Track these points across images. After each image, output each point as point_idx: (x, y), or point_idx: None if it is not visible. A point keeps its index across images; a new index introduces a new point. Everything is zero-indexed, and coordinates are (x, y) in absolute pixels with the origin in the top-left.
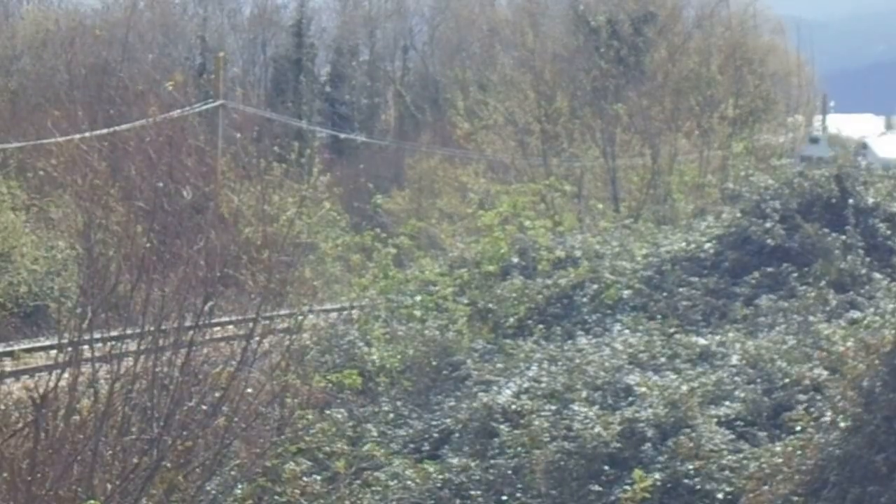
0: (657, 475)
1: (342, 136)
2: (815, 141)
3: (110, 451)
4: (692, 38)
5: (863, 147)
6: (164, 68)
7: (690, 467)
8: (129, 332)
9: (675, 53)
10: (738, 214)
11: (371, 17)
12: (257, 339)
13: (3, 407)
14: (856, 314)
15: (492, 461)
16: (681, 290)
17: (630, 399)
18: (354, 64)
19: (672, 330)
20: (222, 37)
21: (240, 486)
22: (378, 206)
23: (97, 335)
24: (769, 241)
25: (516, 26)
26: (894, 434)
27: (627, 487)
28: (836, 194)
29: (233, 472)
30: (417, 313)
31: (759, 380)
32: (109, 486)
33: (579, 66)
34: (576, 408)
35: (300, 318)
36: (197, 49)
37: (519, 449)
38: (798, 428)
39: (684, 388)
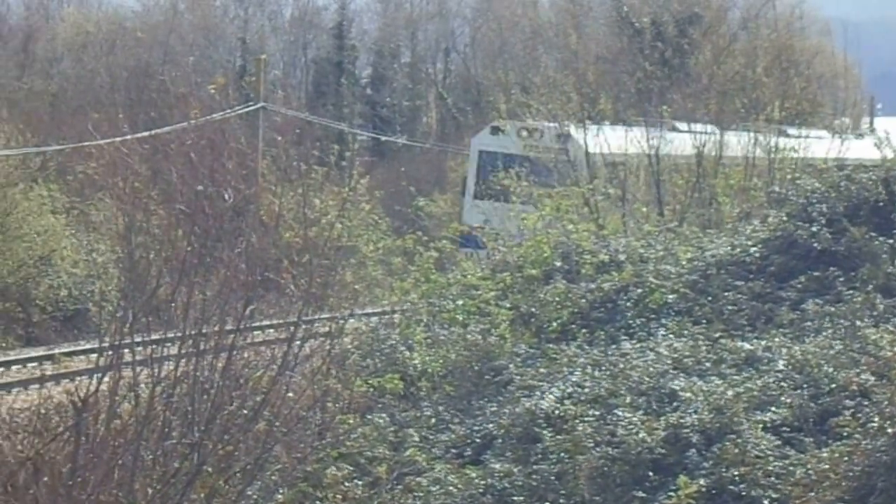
0: (702, 481)
1: (383, 138)
2: None
3: (151, 456)
4: (738, 40)
5: None
6: (204, 71)
7: (736, 473)
8: (169, 335)
9: (720, 55)
10: (784, 218)
11: (412, 18)
12: (298, 343)
13: (43, 411)
14: None
15: (535, 467)
16: (726, 294)
17: (675, 404)
18: (396, 66)
19: (717, 335)
20: (263, 39)
21: (281, 491)
22: (420, 209)
23: (138, 339)
24: (815, 244)
25: (559, 28)
26: None
27: (672, 494)
28: (884, 197)
29: (274, 477)
30: (459, 317)
31: (805, 385)
32: (150, 490)
33: (623, 67)
34: (620, 413)
35: (341, 322)
36: (238, 51)
37: (562, 454)
38: (845, 434)
39: (730, 393)
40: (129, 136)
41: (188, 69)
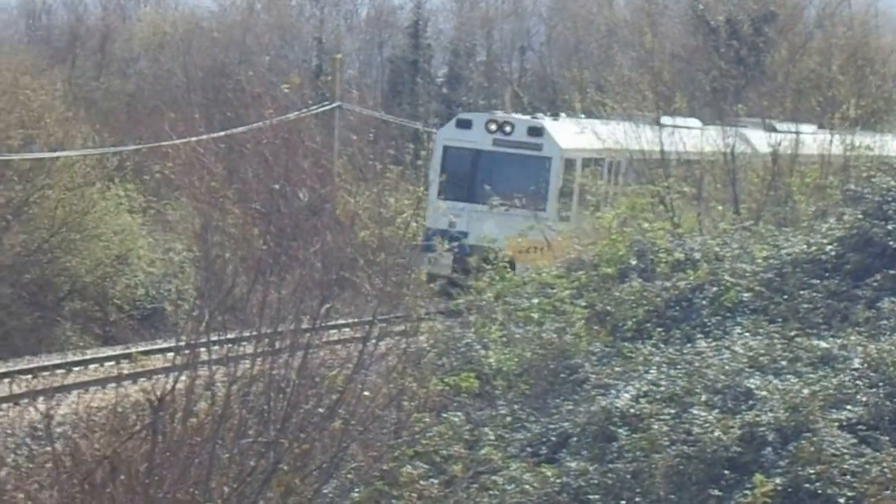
0: (778, 480)
1: None
2: None
3: (227, 454)
4: (813, 38)
5: None
6: (280, 70)
7: (811, 472)
8: (245, 334)
9: (795, 53)
10: (860, 216)
11: (488, 17)
12: (374, 341)
13: (120, 409)
14: None
15: (610, 465)
16: (802, 292)
17: (750, 403)
18: (471, 65)
19: (793, 333)
20: (339, 38)
21: (357, 490)
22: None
23: (214, 338)
24: (891, 242)
25: (634, 26)
26: None
27: (747, 492)
28: None
29: (350, 476)
30: (535, 316)
31: (881, 384)
32: (226, 488)
33: (698, 66)
34: (695, 412)
35: (416, 320)
36: (313, 51)
37: (638, 453)
38: None
39: (805, 391)
40: (205, 136)
41: (264, 69)
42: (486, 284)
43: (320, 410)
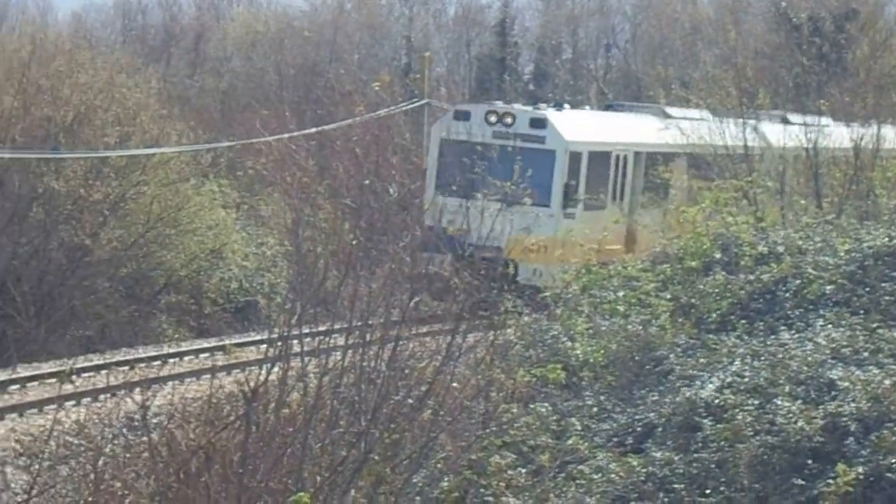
0: (860, 469)
1: None
2: None
3: (319, 444)
4: (894, 35)
5: None
6: (370, 69)
7: (893, 461)
8: (336, 327)
9: (877, 50)
10: None
11: (574, 15)
12: (462, 333)
13: (215, 401)
14: None
15: (695, 455)
16: (884, 285)
17: (833, 393)
18: (557, 62)
19: (875, 325)
20: (428, 37)
21: (446, 479)
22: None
23: (306, 330)
24: None
25: (718, 24)
26: None
27: (830, 481)
28: None
29: (439, 465)
30: (620, 308)
31: None
32: (318, 477)
33: (781, 63)
34: (779, 402)
35: (504, 313)
36: (402, 49)
37: (722, 443)
38: None
39: (887, 382)
40: (296, 133)
41: (354, 67)
42: (572, 277)
43: (410, 401)
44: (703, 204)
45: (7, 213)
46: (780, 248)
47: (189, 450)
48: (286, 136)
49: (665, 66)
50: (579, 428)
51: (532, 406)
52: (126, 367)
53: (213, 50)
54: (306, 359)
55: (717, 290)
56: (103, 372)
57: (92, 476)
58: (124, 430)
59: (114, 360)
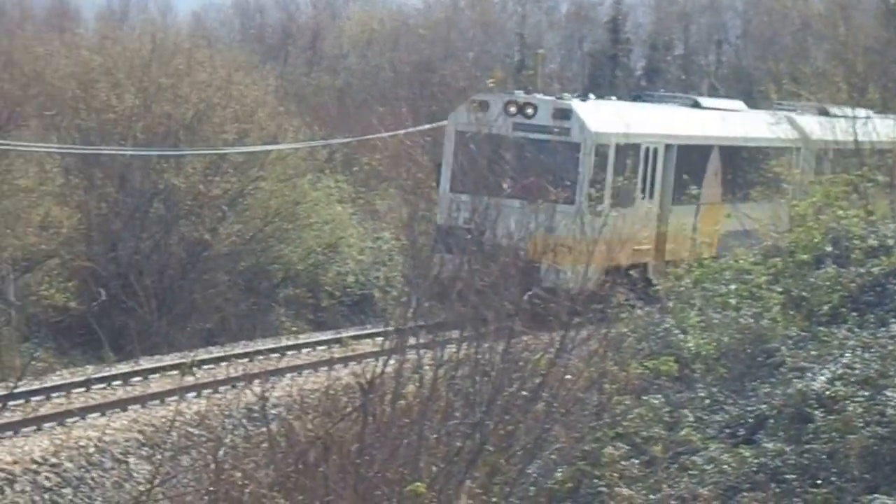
0: None
1: None
2: None
3: (435, 435)
4: None
5: None
6: (484, 65)
7: None
8: (451, 320)
9: None
10: None
11: (685, 12)
12: (575, 326)
13: (332, 392)
14: None
15: (806, 446)
16: None
17: None
18: (669, 58)
19: None
20: (540, 33)
21: (560, 470)
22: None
23: (421, 323)
24: None
25: (828, 19)
26: None
27: None
28: None
29: (553, 456)
30: (732, 301)
31: None
32: (434, 468)
33: (891, 57)
34: (889, 394)
35: (617, 306)
36: (515, 46)
37: (833, 434)
38: None
39: None
40: (411, 129)
41: (468, 64)
42: (684, 271)
43: (524, 393)
44: (814, 198)
45: (129, 208)
46: (890, 242)
47: (307, 440)
48: (402, 132)
49: (776, 62)
50: (692, 419)
51: (645, 398)
52: (245, 360)
53: (330, 48)
54: (422, 351)
55: (828, 283)
56: (223, 364)
57: (212, 466)
58: (244, 421)
59: (233, 352)
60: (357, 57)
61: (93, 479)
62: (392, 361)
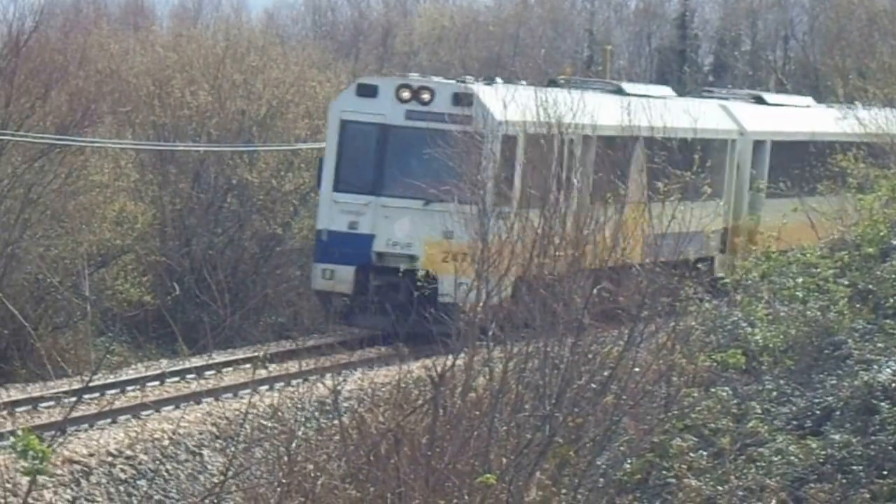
0: None
1: None
2: None
3: (505, 428)
4: None
5: None
6: (553, 62)
7: None
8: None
9: None
10: None
11: (752, 8)
12: (644, 320)
13: (403, 385)
14: None
15: (873, 437)
16: None
17: None
18: (736, 54)
19: None
20: (609, 30)
21: (629, 461)
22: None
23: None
24: None
25: (894, 15)
26: None
27: None
28: None
29: (622, 448)
30: (799, 294)
31: None
32: (504, 460)
33: None
34: None
35: (685, 300)
36: (584, 42)
37: None
38: None
39: None
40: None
41: (538, 60)
42: (752, 264)
43: (593, 386)
44: (881, 192)
45: (203, 204)
46: None
47: (378, 433)
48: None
49: (842, 57)
50: (759, 411)
51: (713, 390)
52: (317, 353)
53: (400, 45)
54: (492, 345)
55: (894, 276)
56: (295, 358)
57: (285, 458)
58: (316, 414)
59: (305, 346)
60: (427, 54)
61: (167, 471)
62: (462, 355)
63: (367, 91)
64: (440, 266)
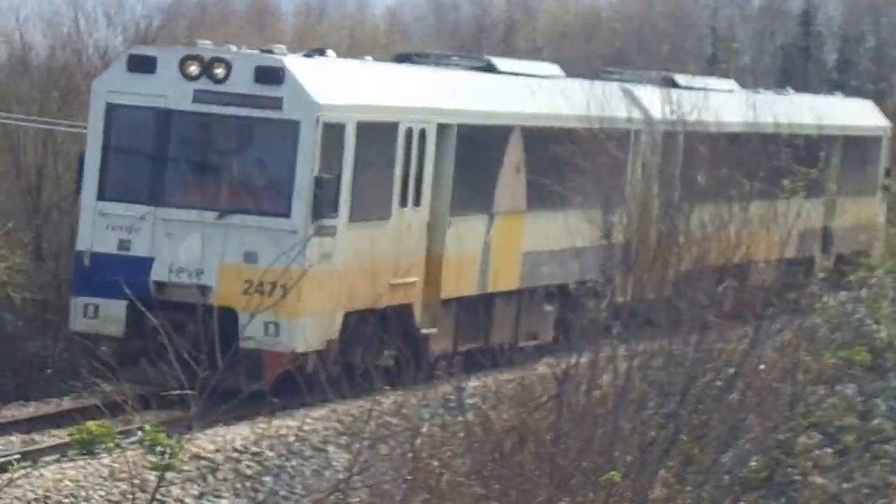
0: None
1: None
2: None
3: (629, 425)
4: None
5: None
6: (677, 59)
7: None
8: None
9: None
10: None
11: (875, 5)
12: (769, 318)
13: (527, 382)
14: None
15: None
16: None
17: None
18: (860, 50)
19: None
20: (732, 27)
21: (754, 459)
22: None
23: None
24: None
25: None
26: None
27: None
28: None
29: (747, 446)
30: None
31: None
32: (629, 457)
33: None
34: None
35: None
36: (708, 39)
37: None
38: None
39: None
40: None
41: (661, 58)
42: (878, 262)
43: (718, 383)
44: None
45: None
46: None
47: (503, 430)
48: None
49: None
50: (884, 409)
51: (838, 387)
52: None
53: (523, 42)
54: (616, 343)
55: None
56: None
57: (410, 455)
58: (440, 410)
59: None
60: (551, 51)
61: (293, 467)
62: (586, 353)
63: (142, 64)
64: (241, 300)
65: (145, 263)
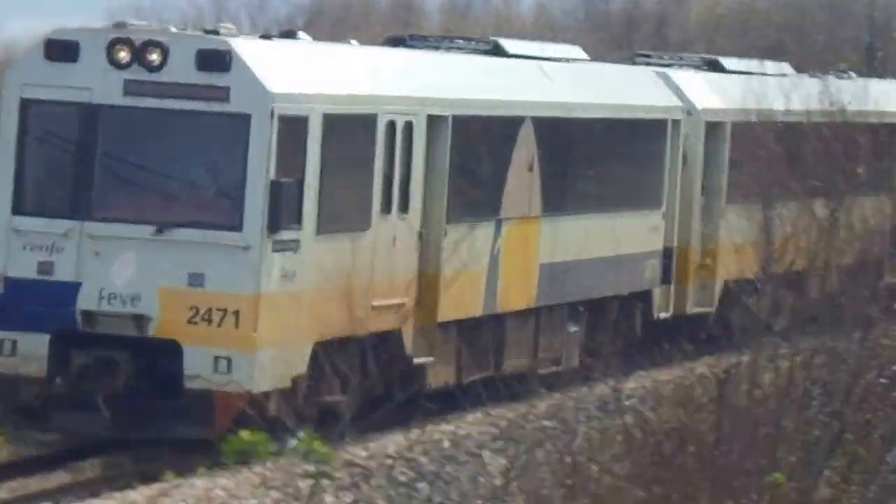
0: None
1: None
2: None
3: (792, 425)
4: None
5: None
6: (834, 50)
7: None
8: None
9: None
10: None
11: None
12: None
13: (687, 383)
14: None
15: None
16: None
17: None
18: None
19: None
20: (890, 15)
21: None
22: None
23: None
24: None
25: None
26: None
27: None
28: None
29: None
30: None
31: None
32: (793, 458)
33: None
34: None
35: None
36: (865, 28)
37: None
38: None
39: None
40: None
41: (818, 48)
42: None
43: (882, 381)
44: None
45: None
46: None
47: (663, 431)
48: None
49: None
50: None
51: None
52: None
53: (676, 34)
54: (776, 341)
55: None
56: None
57: (567, 459)
58: (597, 413)
59: None
60: (704, 43)
61: (448, 472)
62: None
63: (63, 51)
64: (185, 330)
65: (71, 289)
